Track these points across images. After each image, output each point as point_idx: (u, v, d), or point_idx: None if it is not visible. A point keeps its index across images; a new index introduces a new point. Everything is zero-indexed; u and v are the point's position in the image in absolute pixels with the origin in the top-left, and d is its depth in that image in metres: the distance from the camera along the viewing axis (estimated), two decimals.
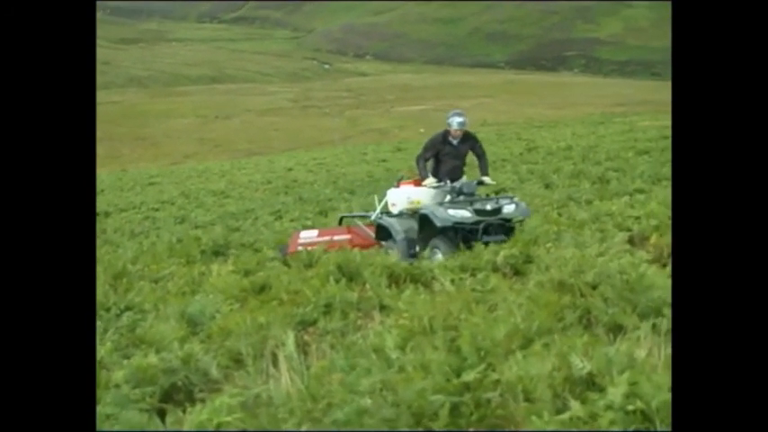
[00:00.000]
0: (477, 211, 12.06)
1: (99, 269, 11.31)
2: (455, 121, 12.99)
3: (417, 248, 12.59)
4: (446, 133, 13.16)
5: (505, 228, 12.23)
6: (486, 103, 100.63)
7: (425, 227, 12.52)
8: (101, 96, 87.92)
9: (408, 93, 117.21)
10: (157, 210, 31.28)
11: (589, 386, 4.48)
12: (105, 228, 25.90)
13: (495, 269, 9.72)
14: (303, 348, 6.36)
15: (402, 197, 13.64)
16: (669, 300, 6.39)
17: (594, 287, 6.95)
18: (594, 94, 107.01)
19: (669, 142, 30.32)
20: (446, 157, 13.16)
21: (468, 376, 4.65)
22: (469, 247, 11.06)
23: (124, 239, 22.07)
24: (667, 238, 10.49)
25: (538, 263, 9.37)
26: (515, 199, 12.79)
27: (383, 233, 13.77)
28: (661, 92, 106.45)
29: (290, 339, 6.16)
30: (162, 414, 4.63)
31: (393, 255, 11.88)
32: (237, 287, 9.35)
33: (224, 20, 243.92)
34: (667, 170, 23.21)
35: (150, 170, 60.02)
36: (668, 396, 4.14)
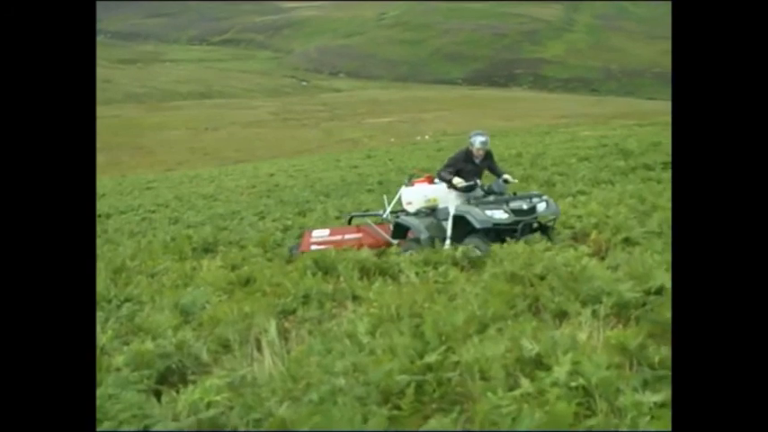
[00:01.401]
0: (514, 211, 11.02)
1: (100, 265, 11.27)
2: (478, 140, 11.97)
3: (448, 245, 11.17)
4: (468, 152, 12.03)
5: (539, 226, 11.56)
6: (445, 115, 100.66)
7: (459, 227, 11.39)
8: (102, 111, 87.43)
9: (377, 106, 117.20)
10: (153, 212, 31.09)
11: (537, 366, 4.50)
12: (107, 228, 25.73)
13: (455, 263, 9.73)
14: (284, 335, 6.35)
15: (419, 195, 12.52)
16: (607, 289, 6.43)
17: (542, 278, 6.98)
18: (541, 108, 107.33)
19: (606, 150, 30.53)
20: (467, 174, 11.85)
21: (431, 358, 4.66)
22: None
23: (124, 238, 21.90)
24: (606, 234, 10.56)
25: (492, 257, 9.38)
26: (545, 197, 11.70)
27: (401, 232, 12.59)
28: (598, 106, 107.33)
29: (272, 327, 6.15)
30: (158, 394, 4.60)
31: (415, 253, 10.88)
32: (225, 280, 9.33)
33: (212, 42, 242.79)
34: (605, 174, 23.33)
35: (147, 176, 59.66)
36: (607, 373, 4.16)
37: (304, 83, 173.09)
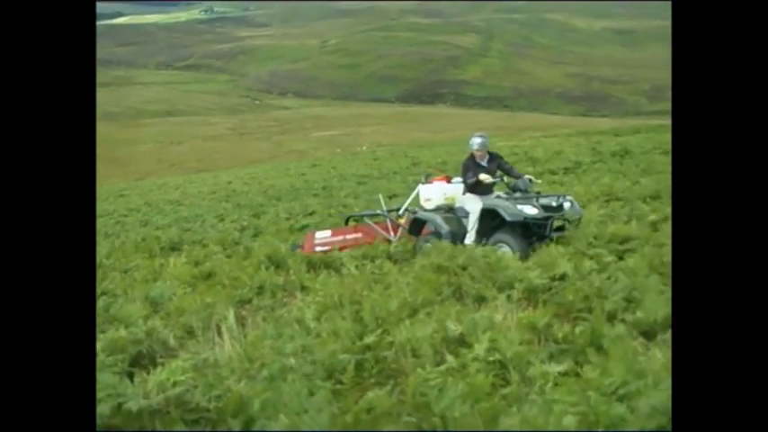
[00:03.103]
0: (544, 207, 9.83)
1: None
2: (475, 142, 10.88)
3: (470, 241, 10.16)
4: (472, 156, 10.90)
5: (566, 225, 10.33)
6: (380, 129, 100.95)
7: (487, 221, 10.27)
8: None
9: (321, 122, 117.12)
10: (126, 216, 30.65)
11: (460, 344, 4.52)
12: None
13: (389, 257, 9.75)
14: (241, 321, 6.30)
15: (438, 193, 11.49)
16: (519, 276, 6.49)
17: (464, 268, 7.01)
18: (462, 122, 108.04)
19: (518, 157, 30.73)
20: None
21: (369, 339, 4.66)
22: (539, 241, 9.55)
23: (100, 239, 21.51)
24: None
25: (422, 251, 9.43)
26: (569, 197, 10.46)
27: (417, 228, 11.50)
28: (510, 120, 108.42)
29: (231, 315, 6.11)
30: (131, 376, 4.54)
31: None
32: (189, 275, 9.23)
33: (176, 67, 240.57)
34: None
35: (120, 185, 58.82)
36: (519, 349, 4.20)
37: (257, 102, 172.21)
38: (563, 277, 6.47)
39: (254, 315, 6.68)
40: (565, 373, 3.78)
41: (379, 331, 4.86)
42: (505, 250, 9.31)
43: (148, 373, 4.39)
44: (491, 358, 4.07)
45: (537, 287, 6.24)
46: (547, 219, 9.72)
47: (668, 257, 6.62)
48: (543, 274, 6.52)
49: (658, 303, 5.32)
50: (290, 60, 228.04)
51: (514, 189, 10.38)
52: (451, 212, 11.01)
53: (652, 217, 11.03)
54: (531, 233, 9.77)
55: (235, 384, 3.99)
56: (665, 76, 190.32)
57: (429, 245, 10.14)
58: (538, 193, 10.51)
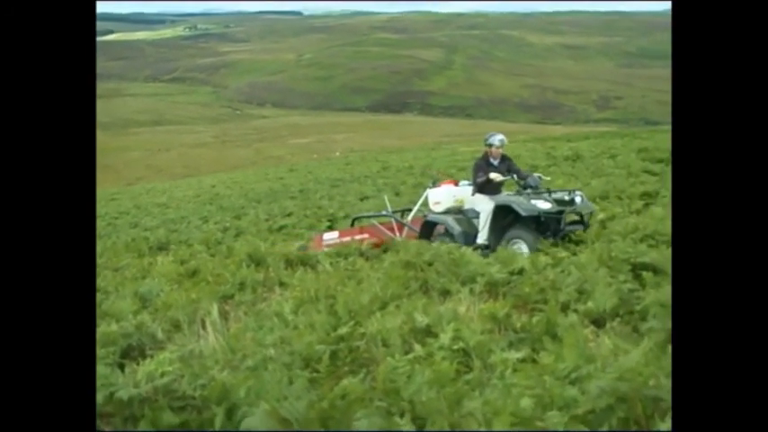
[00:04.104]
0: (557, 202, 9.31)
1: None
2: (496, 138, 10.24)
3: (482, 240, 9.77)
4: (486, 155, 10.35)
5: (581, 219, 9.82)
6: (352, 136, 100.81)
7: (500, 219, 9.75)
8: None
9: (298, 130, 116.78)
10: (117, 218, 30.38)
11: (427, 334, 4.52)
12: None
13: (361, 254, 9.74)
14: (224, 315, 6.26)
15: (448, 195, 10.96)
16: (481, 271, 6.52)
17: (430, 264, 7.02)
18: (428, 130, 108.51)
19: None
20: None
21: (343, 331, 4.65)
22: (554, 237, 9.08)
23: None
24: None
25: (391, 248, 9.43)
26: (579, 192, 9.86)
27: (428, 230, 10.90)
28: (472, 127, 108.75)
29: (215, 309, 6.06)
30: (121, 367, 4.50)
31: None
32: (176, 273, 9.16)
33: (163, 80, 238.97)
34: None
35: (111, 189, 58.29)
36: (481, 338, 4.21)
37: (238, 112, 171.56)
38: (521, 272, 6.51)
39: (236, 309, 6.65)
40: (523, 360, 3.80)
41: (351, 323, 4.86)
42: (521, 247, 8.92)
43: (138, 364, 4.35)
44: (455, 347, 4.08)
45: (497, 281, 6.26)
46: (560, 213, 9.25)
47: (615, 252, 6.68)
48: (503, 268, 6.55)
49: (607, 294, 5.37)
50: (268, 73, 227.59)
51: (525, 187, 9.91)
52: (461, 214, 10.60)
53: (601, 216, 11.12)
54: (546, 228, 9.33)
55: (219, 374, 3.96)
56: (610, 87, 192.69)
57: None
58: (548, 189, 9.98)
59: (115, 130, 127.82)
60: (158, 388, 3.68)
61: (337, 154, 73.31)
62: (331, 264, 8.77)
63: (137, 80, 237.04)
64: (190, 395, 3.70)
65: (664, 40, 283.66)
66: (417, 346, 4.19)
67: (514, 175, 10.22)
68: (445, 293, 6.17)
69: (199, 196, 37.65)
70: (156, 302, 7.13)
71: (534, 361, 3.66)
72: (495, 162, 10.30)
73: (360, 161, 48.51)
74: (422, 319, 4.71)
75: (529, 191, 9.71)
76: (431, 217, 10.88)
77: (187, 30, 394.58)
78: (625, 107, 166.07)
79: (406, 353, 4.15)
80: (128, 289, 8.06)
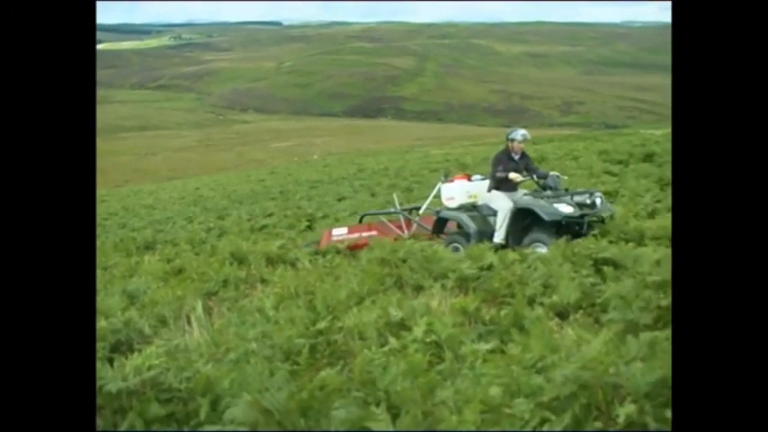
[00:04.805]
0: (579, 205, 8.79)
1: None
2: (518, 134, 9.63)
3: (499, 239, 9.16)
4: (507, 150, 9.68)
5: (601, 221, 9.09)
6: (330, 140, 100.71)
7: (518, 221, 9.20)
8: None
9: (278, 134, 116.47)
10: (106, 219, 30.02)
11: (401, 327, 4.52)
12: None
13: (338, 252, 9.73)
14: (208, 311, 6.24)
15: (461, 191, 10.27)
16: (452, 267, 6.53)
17: (404, 261, 7.02)
18: (401, 134, 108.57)
19: (450, 163, 30.87)
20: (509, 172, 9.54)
21: (321, 325, 4.64)
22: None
23: None
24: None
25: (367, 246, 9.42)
26: (598, 194, 9.19)
27: (441, 226, 10.39)
28: (443, 131, 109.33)
29: (199, 305, 6.04)
30: (110, 361, 4.46)
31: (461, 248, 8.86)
32: (162, 271, 9.10)
33: (149, 87, 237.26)
34: None
35: (100, 192, 57.55)
36: (452, 330, 4.21)
37: (221, 117, 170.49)
38: (490, 267, 6.53)
39: (220, 305, 6.62)
40: (492, 351, 3.81)
41: (330, 318, 4.84)
42: (542, 250, 8.03)
43: (126, 358, 4.32)
44: (428, 339, 4.08)
45: (468, 276, 6.27)
46: (582, 217, 8.77)
47: (578, 249, 6.73)
48: (473, 265, 6.56)
49: (570, 288, 5.41)
50: (249, 80, 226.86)
51: (544, 187, 9.32)
52: (475, 210, 9.93)
53: None
54: (566, 231, 8.62)
55: (203, 367, 3.94)
56: (573, 93, 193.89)
57: (456, 245, 9.28)
58: (566, 189, 9.47)
59: (104, 135, 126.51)
60: (146, 381, 3.66)
61: (315, 157, 73.10)
62: (310, 261, 8.76)
63: (124, 87, 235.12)
64: (176, 387, 3.68)
65: (622, 50, 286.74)
66: (392, 339, 4.19)
67: (534, 176, 9.65)
68: (418, 289, 6.18)
69: (184, 198, 37.39)
70: (144, 299, 7.08)
71: (502, 352, 3.68)
72: (516, 157, 9.68)
73: (337, 164, 48.42)
74: (396, 314, 4.71)
75: (548, 192, 9.17)
76: (444, 213, 10.30)
77: (172, 39, 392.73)
78: (587, 112, 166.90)
79: (382, 345, 4.16)
80: (116, 287, 7.99)
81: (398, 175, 29.65)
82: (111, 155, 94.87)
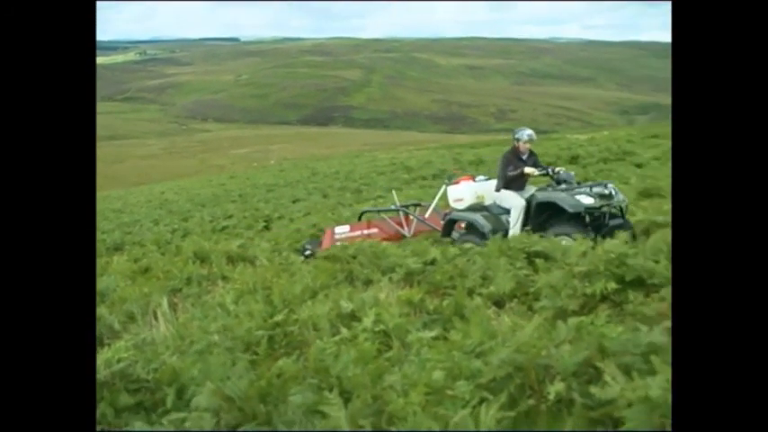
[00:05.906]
0: (600, 196, 8.11)
1: None
2: (525, 133, 9.04)
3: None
4: (514, 149, 9.06)
5: (620, 212, 8.41)
6: (285, 147, 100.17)
7: (538, 215, 8.59)
8: None
9: (237, 142, 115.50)
10: None
11: (352, 318, 4.51)
12: None
13: (295, 250, 9.66)
14: (173, 307, 6.14)
15: (469, 192, 9.62)
16: (399, 262, 6.54)
17: (354, 257, 7.01)
18: (351, 140, 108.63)
19: (395, 167, 30.99)
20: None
21: (278, 318, 4.60)
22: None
23: None
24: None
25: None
26: (611, 184, 8.44)
27: (450, 228, 9.54)
28: (389, 137, 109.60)
29: (165, 302, 5.95)
30: None
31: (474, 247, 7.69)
32: (130, 270, 8.94)
33: (116, 99, 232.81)
34: (395, 184, 23.69)
35: None
36: (399, 320, 4.22)
37: (183, 127, 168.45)
38: (433, 262, 6.55)
39: (184, 301, 6.52)
40: (435, 338, 3.82)
41: (286, 311, 4.81)
42: (568, 242, 7.16)
43: (96, 352, 4.24)
44: (377, 329, 4.07)
45: (413, 270, 6.29)
46: (602, 207, 8.11)
47: (513, 243, 6.79)
48: (418, 259, 6.58)
49: (506, 279, 5.46)
50: (210, 92, 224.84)
51: (558, 182, 8.67)
52: (486, 210, 9.24)
53: None
54: (587, 223, 8.15)
55: (169, 359, 3.89)
56: (506, 101, 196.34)
57: (470, 245, 8.08)
58: (579, 182, 8.78)
59: None
60: (115, 373, 3.60)
61: (272, 162, 72.58)
62: (267, 259, 8.69)
63: None
64: (144, 378, 3.63)
65: (549, 63, 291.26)
66: (344, 330, 4.17)
67: (549, 170, 8.94)
68: (368, 283, 6.17)
69: (150, 202, 36.78)
70: (113, 297, 6.94)
71: (445, 339, 3.69)
72: (524, 157, 9.10)
73: (292, 168, 48.13)
74: (347, 306, 4.70)
75: (563, 185, 8.54)
76: (455, 215, 9.53)
77: (137, 55, 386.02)
78: (519, 119, 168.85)
79: (334, 335, 4.14)
80: None
81: (348, 178, 29.63)
82: None
